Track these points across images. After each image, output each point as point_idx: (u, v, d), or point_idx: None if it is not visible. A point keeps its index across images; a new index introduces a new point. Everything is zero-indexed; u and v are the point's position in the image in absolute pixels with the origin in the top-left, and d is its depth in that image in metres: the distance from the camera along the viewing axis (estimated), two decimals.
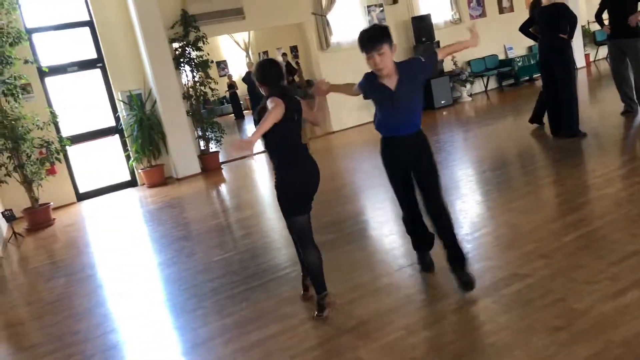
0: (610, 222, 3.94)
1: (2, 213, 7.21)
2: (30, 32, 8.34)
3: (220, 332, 3.45)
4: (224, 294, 4.02)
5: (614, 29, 6.97)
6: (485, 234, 4.25)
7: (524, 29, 6.97)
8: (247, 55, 18.98)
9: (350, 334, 3.12)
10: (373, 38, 3.08)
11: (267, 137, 3.20)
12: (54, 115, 8.31)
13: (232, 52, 19.33)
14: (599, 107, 7.00)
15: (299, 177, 3.29)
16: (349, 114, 10.89)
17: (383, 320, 3.20)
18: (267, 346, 3.15)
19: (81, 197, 9.07)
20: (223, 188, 8.57)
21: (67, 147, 8.38)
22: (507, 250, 3.83)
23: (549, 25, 6.48)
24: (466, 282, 3.27)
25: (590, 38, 14.01)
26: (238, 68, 19.20)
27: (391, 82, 3.20)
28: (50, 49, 8.77)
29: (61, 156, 8.15)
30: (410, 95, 3.24)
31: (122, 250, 5.95)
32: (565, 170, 5.73)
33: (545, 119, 7.40)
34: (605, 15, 7.21)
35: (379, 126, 3.39)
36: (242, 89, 18.03)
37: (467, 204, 5.08)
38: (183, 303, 4.04)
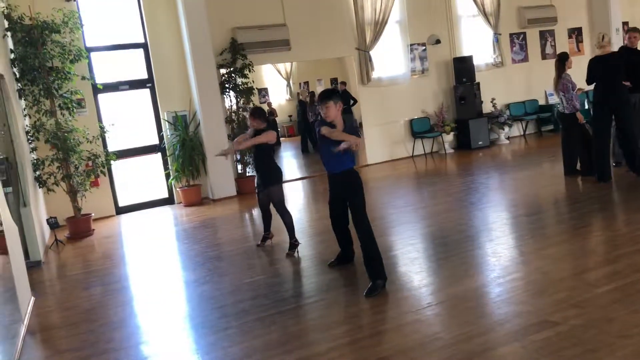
0: None
1: (47, 220, 7.54)
2: (89, 50, 8.82)
3: (248, 353, 3.53)
4: (253, 316, 4.11)
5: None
6: (517, 278, 4.24)
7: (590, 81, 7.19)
8: (288, 85, 19.45)
9: None
10: (322, 96, 4.40)
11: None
12: (103, 130, 8.69)
13: (274, 80, 19.82)
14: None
15: None
16: (382, 149, 11.07)
17: (408, 356, 3.23)
18: None
19: (120, 210, 9.38)
20: (256, 212, 8.72)
21: (112, 162, 8.73)
22: (538, 297, 3.82)
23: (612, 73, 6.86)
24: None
25: None
26: (278, 96, 19.64)
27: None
28: (106, 68, 9.23)
29: (105, 169, 8.49)
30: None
31: (158, 265, 6.12)
32: (602, 221, 5.68)
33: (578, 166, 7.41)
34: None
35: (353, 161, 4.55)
36: (280, 116, 18.42)
37: (500, 247, 5.07)
38: (214, 321, 4.15)
